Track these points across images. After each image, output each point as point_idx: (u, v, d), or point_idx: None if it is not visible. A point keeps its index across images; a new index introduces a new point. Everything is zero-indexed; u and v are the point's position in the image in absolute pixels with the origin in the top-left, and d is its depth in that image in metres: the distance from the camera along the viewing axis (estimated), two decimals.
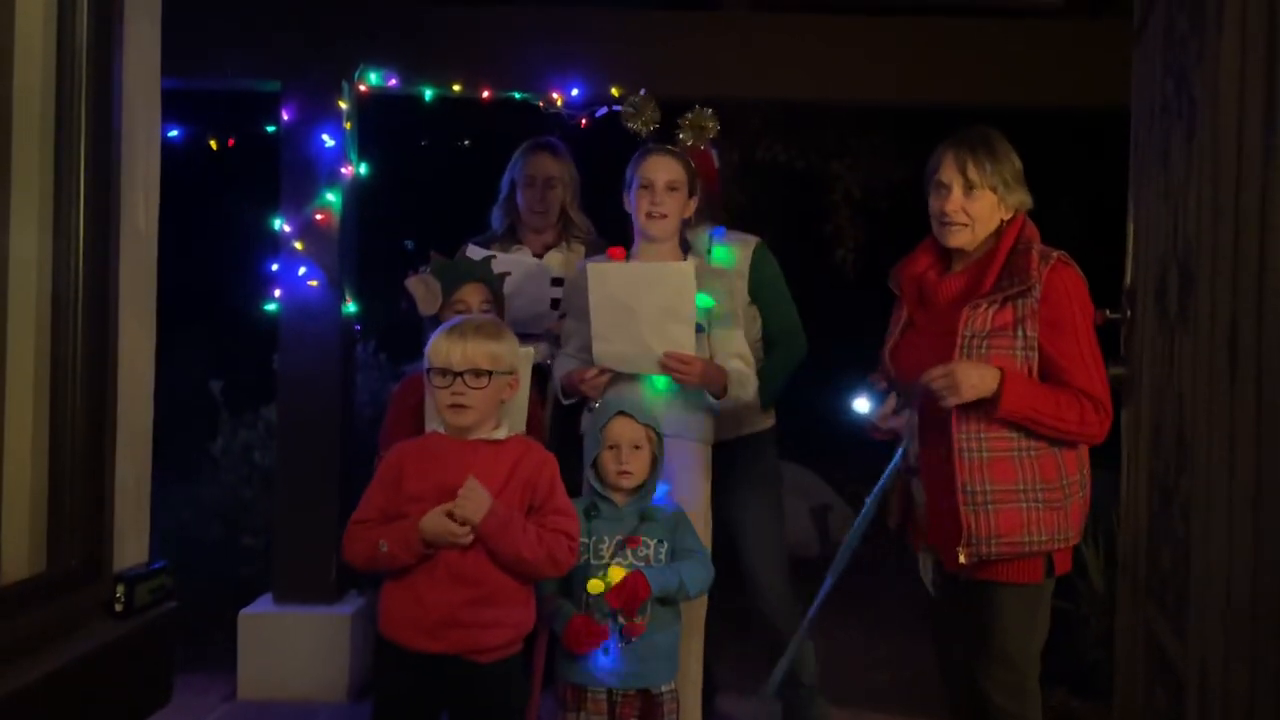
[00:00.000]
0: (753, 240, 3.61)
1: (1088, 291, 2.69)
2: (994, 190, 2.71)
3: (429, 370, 2.67)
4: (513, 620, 2.64)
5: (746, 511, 3.55)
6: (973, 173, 2.70)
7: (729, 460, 3.46)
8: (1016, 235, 2.72)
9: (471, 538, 2.54)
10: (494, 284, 3.24)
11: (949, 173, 2.73)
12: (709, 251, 3.52)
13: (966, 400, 2.56)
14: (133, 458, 2.63)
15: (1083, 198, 7.17)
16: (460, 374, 2.61)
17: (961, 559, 2.62)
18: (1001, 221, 2.74)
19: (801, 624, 3.12)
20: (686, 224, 3.35)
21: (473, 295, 3.17)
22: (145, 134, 2.67)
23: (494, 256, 3.42)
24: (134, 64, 2.58)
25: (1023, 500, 2.60)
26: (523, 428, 2.96)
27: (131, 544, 2.64)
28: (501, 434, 2.71)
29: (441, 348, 2.65)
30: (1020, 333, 2.62)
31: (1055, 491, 2.62)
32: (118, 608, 2.50)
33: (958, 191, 2.72)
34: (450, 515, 2.53)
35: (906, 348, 2.81)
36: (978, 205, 2.72)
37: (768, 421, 3.60)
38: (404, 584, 2.62)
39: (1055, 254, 2.68)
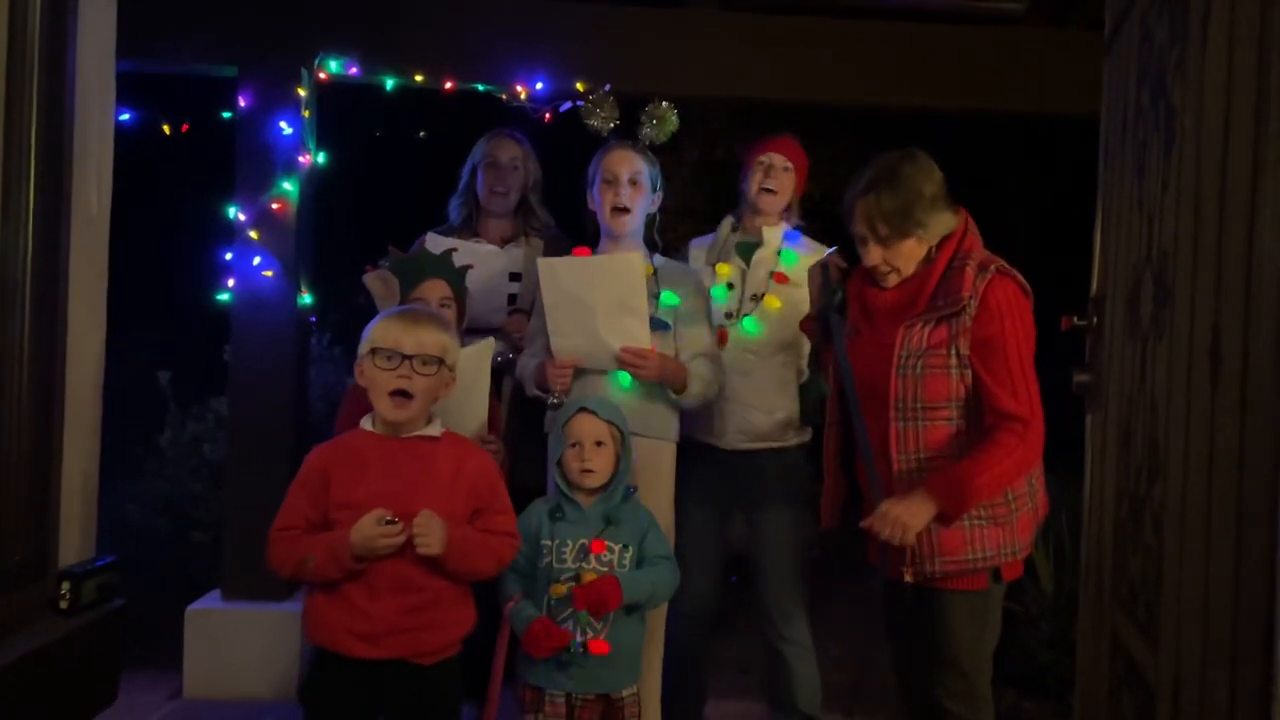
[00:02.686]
0: (825, 251, 3.60)
1: (1027, 301, 2.65)
2: (909, 235, 2.66)
3: (373, 352, 2.52)
4: (454, 620, 2.57)
5: (771, 526, 3.47)
6: (882, 229, 2.65)
7: (759, 471, 3.44)
8: (953, 253, 2.67)
9: (405, 538, 2.41)
10: (455, 279, 3.13)
11: (861, 228, 2.69)
12: (780, 253, 3.52)
13: (920, 528, 2.54)
14: (80, 451, 2.57)
15: (1041, 203, 7.25)
16: (409, 358, 2.50)
17: (907, 578, 2.63)
18: (931, 248, 2.70)
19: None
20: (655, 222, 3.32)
21: (432, 292, 3.06)
22: (98, 118, 2.61)
23: (455, 249, 3.33)
24: (88, 46, 2.52)
25: (966, 519, 2.58)
26: (472, 426, 2.90)
27: (77, 539, 2.58)
28: (435, 430, 2.60)
29: (392, 329, 2.53)
30: (954, 351, 2.60)
31: (1001, 508, 2.61)
32: (63, 605, 2.45)
33: (874, 246, 2.68)
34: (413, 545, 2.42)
35: (853, 356, 2.79)
36: (898, 254, 2.68)
37: (803, 436, 3.54)
38: (338, 594, 2.48)
39: (993, 265, 2.63)
